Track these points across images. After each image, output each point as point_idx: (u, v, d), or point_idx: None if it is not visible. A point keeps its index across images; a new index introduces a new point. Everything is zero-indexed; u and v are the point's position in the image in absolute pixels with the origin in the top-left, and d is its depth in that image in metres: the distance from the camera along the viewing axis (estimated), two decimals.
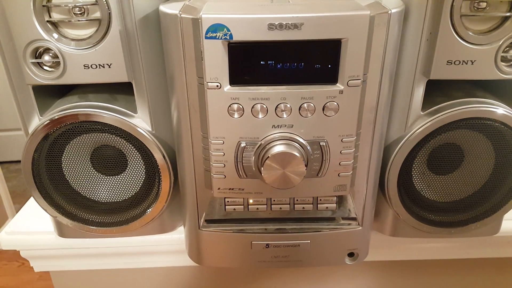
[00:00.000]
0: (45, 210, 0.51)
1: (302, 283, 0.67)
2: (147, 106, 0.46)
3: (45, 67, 0.44)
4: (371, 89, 0.42)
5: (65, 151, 0.48)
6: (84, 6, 0.41)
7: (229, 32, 0.38)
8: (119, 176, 0.50)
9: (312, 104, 0.41)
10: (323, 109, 0.41)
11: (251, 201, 0.49)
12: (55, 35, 0.42)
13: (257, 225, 0.50)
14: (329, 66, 0.39)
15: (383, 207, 0.53)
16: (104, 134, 0.47)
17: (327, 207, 0.49)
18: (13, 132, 1.95)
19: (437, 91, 0.49)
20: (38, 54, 0.44)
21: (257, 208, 0.49)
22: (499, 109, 0.46)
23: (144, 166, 0.49)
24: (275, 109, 0.41)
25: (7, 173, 1.95)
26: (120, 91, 0.49)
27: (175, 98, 0.43)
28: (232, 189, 0.45)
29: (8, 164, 2.02)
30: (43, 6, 0.41)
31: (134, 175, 0.50)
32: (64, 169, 0.49)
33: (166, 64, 0.43)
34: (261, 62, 0.39)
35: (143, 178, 0.50)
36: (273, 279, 0.66)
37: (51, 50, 0.43)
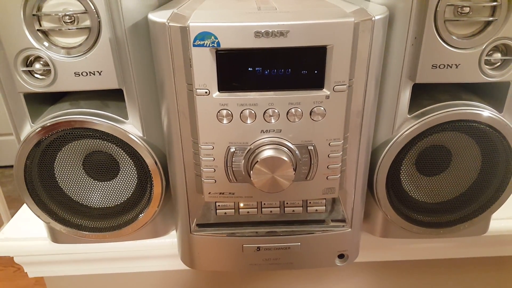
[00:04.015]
0: (38, 216, 0.51)
1: (296, 285, 0.68)
2: (138, 112, 0.47)
3: (36, 75, 0.45)
4: (357, 94, 0.42)
5: (57, 157, 0.49)
6: (74, 15, 0.42)
7: (217, 40, 0.38)
8: (111, 182, 0.51)
9: (299, 109, 0.41)
10: (310, 114, 0.42)
11: (241, 205, 0.49)
12: (46, 44, 0.43)
13: (248, 228, 0.50)
14: (316, 72, 0.40)
15: (373, 208, 0.54)
16: (96, 140, 0.48)
17: (316, 210, 0.50)
18: (8, 137, 1.94)
19: (424, 94, 0.49)
20: (29, 62, 0.44)
21: (248, 212, 0.49)
22: (485, 112, 0.46)
23: (136, 172, 0.50)
24: (263, 114, 0.42)
25: (2, 178, 1.94)
26: (111, 97, 0.49)
27: (165, 105, 0.44)
28: (223, 193, 0.46)
29: (3, 169, 2.02)
30: (33, 15, 0.42)
31: (126, 181, 0.51)
32: (56, 176, 0.50)
33: (156, 71, 0.43)
34: (249, 69, 0.40)
35: (135, 183, 0.51)
36: (267, 282, 0.67)
37: (42, 58, 0.43)
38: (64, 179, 0.50)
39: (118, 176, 0.50)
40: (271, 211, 0.50)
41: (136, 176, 0.50)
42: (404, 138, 0.47)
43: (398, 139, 0.47)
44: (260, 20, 0.38)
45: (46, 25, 0.43)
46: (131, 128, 0.47)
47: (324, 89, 0.41)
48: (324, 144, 0.43)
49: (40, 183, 0.49)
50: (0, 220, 1.54)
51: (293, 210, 0.49)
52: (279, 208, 0.49)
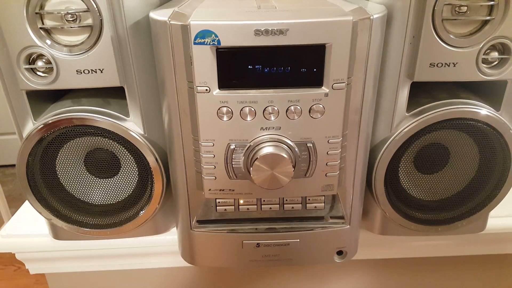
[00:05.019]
0: (40, 213, 0.51)
1: (297, 282, 0.68)
2: (139, 110, 0.47)
3: (38, 73, 0.45)
4: (356, 92, 0.43)
5: (59, 154, 0.49)
6: (76, 13, 0.42)
7: (217, 38, 0.39)
8: (112, 179, 0.51)
9: (298, 107, 0.42)
10: (309, 112, 0.42)
11: (241, 201, 0.50)
12: (48, 42, 0.43)
13: (248, 225, 0.51)
14: (315, 70, 0.41)
15: (372, 206, 0.54)
16: (97, 138, 0.48)
17: (315, 207, 0.50)
18: (8, 136, 1.94)
19: (422, 92, 0.50)
20: (31, 60, 0.44)
21: (248, 209, 0.50)
22: (483, 110, 0.47)
23: (137, 169, 0.50)
24: (263, 111, 0.42)
25: (3, 177, 1.94)
26: (113, 95, 0.50)
27: (166, 102, 0.44)
28: (223, 190, 0.47)
29: (3, 168, 2.02)
30: (36, 13, 0.42)
31: (127, 178, 0.51)
32: (58, 172, 0.50)
33: (157, 69, 0.44)
34: (249, 67, 0.40)
35: (136, 181, 0.51)
36: (267, 279, 0.67)
37: (44, 56, 0.44)
38: (66, 176, 0.50)
39: (119, 173, 0.51)
40: (270, 208, 0.50)
41: (137, 173, 0.50)
42: (402, 136, 0.47)
43: (396, 137, 0.48)
44: (260, 19, 0.38)
45: (48, 23, 0.43)
46: (132, 126, 0.48)
47: (323, 87, 0.41)
48: (323, 141, 0.44)
49: (42, 180, 0.50)
50: (0, 219, 1.54)
51: (292, 207, 0.50)
52: (278, 205, 0.50)
